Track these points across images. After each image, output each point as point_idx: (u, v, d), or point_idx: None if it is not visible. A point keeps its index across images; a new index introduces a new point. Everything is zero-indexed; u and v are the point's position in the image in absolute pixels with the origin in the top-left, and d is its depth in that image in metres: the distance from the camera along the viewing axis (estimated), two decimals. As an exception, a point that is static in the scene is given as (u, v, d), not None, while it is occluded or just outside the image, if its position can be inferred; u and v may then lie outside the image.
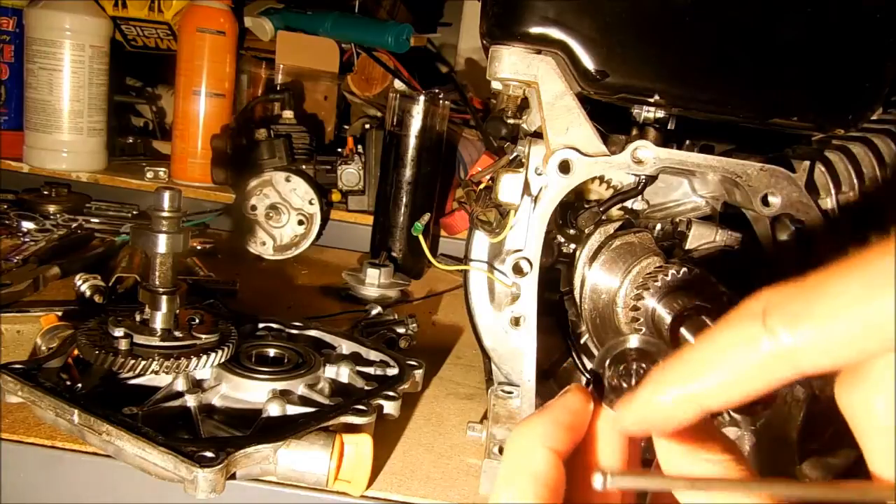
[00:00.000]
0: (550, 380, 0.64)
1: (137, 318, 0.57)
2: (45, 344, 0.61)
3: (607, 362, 0.27)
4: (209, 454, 0.44)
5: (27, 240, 0.95)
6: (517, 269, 0.56)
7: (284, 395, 0.54)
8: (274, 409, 0.52)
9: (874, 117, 0.59)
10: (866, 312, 0.18)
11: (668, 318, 0.49)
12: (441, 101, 1.07)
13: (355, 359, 0.64)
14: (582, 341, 0.63)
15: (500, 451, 0.55)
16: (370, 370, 0.63)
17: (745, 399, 0.21)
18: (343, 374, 0.61)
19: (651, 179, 0.56)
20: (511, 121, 0.60)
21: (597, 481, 0.22)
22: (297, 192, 1.09)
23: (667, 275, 0.53)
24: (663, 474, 0.25)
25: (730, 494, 0.23)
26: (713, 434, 0.24)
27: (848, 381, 0.21)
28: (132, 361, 0.52)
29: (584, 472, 0.26)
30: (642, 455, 0.30)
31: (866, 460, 0.21)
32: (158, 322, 0.57)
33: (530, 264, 0.56)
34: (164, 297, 0.56)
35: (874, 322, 0.18)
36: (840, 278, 0.19)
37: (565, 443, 0.26)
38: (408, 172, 1.06)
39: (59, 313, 0.68)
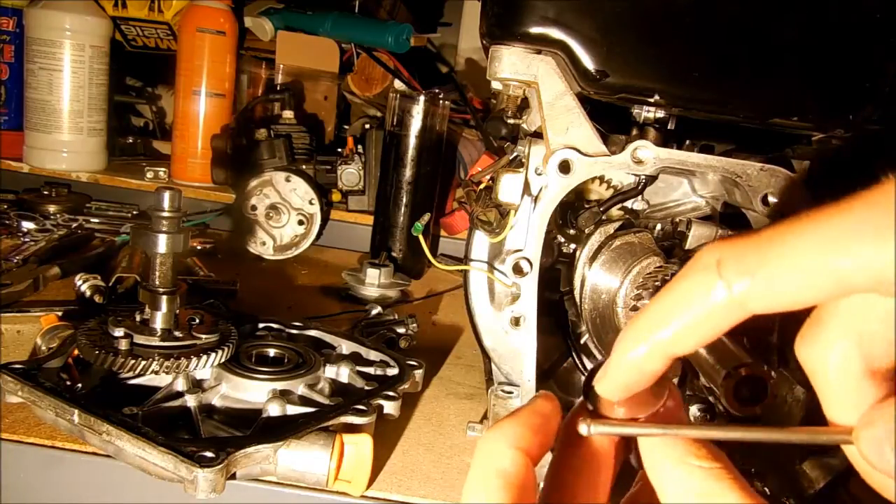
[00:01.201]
0: (550, 380, 0.64)
1: (137, 318, 0.57)
2: (45, 344, 0.61)
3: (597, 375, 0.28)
4: (209, 454, 0.44)
5: (27, 240, 0.95)
6: (517, 269, 0.56)
7: (284, 395, 0.54)
8: (274, 409, 0.52)
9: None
10: (810, 260, 0.20)
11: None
12: (441, 101, 1.07)
13: (355, 359, 0.64)
14: (582, 341, 0.63)
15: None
16: (370, 370, 0.63)
17: (707, 342, 0.24)
18: (343, 374, 0.61)
19: (651, 179, 0.56)
20: (511, 121, 0.60)
21: (582, 429, 0.26)
22: (297, 192, 1.09)
23: (667, 275, 0.53)
24: (642, 425, 0.26)
25: (699, 434, 0.24)
26: (703, 442, 0.25)
27: (805, 335, 0.23)
28: (132, 361, 0.52)
29: (575, 486, 0.27)
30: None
31: (823, 408, 0.23)
32: (158, 322, 0.57)
33: (530, 264, 0.56)
34: (164, 297, 0.56)
35: (816, 269, 0.20)
36: (787, 232, 0.21)
37: (534, 445, 0.26)
38: (408, 172, 1.06)
39: (59, 313, 0.68)
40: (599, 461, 0.27)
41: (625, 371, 0.25)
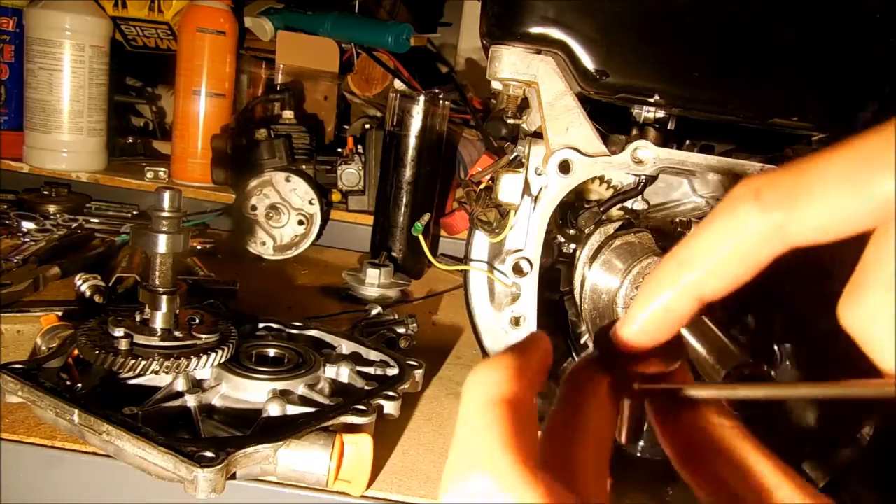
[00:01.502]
0: (550, 380, 0.64)
1: (137, 318, 0.57)
2: (45, 344, 0.61)
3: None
4: (209, 454, 0.44)
5: (27, 240, 0.95)
6: (517, 269, 0.56)
7: (284, 395, 0.54)
8: (274, 409, 0.52)
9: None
10: (853, 184, 0.19)
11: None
12: (441, 101, 1.07)
13: (355, 359, 0.64)
14: (582, 341, 0.63)
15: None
16: (370, 370, 0.63)
17: (741, 282, 0.22)
18: (343, 374, 0.61)
19: (651, 179, 0.56)
20: (511, 121, 0.60)
21: (691, 392, 0.25)
22: (297, 192, 1.09)
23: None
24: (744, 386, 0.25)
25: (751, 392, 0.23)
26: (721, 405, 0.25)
27: (847, 298, 0.22)
28: (132, 361, 0.52)
29: (579, 441, 0.24)
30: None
31: (878, 366, 0.21)
32: (158, 322, 0.57)
33: (530, 264, 0.56)
34: (164, 297, 0.56)
35: (861, 193, 0.19)
36: (826, 159, 0.20)
37: (535, 375, 0.24)
38: (408, 172, 1.06)
39: (59, 313, 0.68)
40: (606, 414, 0.25)
41: (653, 313, 0.24)
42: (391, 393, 0.57)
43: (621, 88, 0.54)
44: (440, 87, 1.21)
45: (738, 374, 0.42)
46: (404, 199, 1.07)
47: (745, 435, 0.25)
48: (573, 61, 0.52)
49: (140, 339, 0.55)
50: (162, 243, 0.56)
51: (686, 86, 0.54)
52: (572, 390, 0.26)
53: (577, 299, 0.60)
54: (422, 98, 1.05)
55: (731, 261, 0.22)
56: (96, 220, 1.08)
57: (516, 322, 0.57)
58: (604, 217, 0.59)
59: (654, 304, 0.24)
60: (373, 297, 0.95)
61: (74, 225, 1.04)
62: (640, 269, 0.56)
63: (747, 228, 0.21)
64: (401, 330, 0.79)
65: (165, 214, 0.55)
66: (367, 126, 1.26)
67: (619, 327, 0.25)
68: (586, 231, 0.59)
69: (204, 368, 0.55)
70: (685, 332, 0.47)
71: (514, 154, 0.58)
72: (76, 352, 0.55)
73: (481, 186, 0.60)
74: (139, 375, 0.54)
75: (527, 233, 0.56)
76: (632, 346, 0.25)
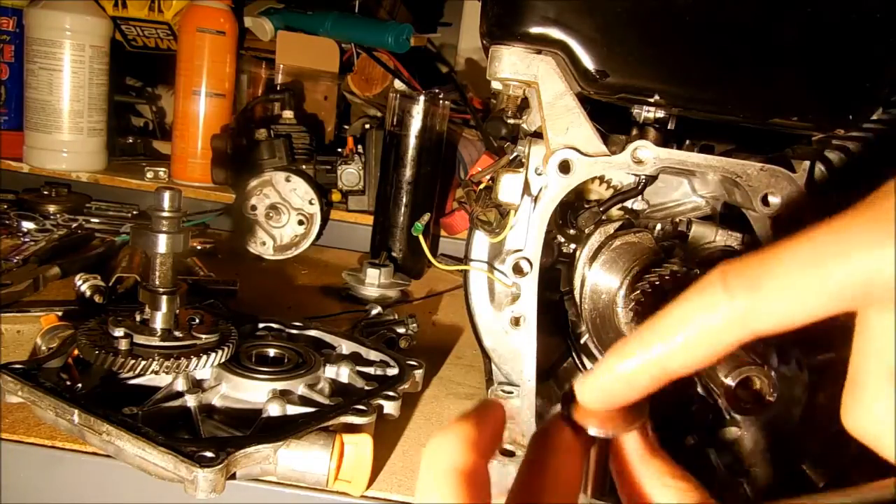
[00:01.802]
0: (550, 380, 0.64)
1: (137, 318, 0.57)
2: (45, 344, 0.61)
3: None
4: (209, 454, 0.44)
5: (27, 240, 0.95)
6: (517, 269, 0.56)
7: (284, 395, 0.54)
8: (274, 409, 0.52)
9: (874, 117, 0.59)
10: (813, 276, 0.20)
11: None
12: (441, 101, 1.07)
13: (355, 359, 0.64)
14: (582, 341, 0.63)
15: (501, 451, 0.55)
16: (370, 370, 0.63)
17: (705, 363, 0.23)
18: (343, 374, 0.61)
19: (651, 179, 0.56)
20: (511, 121, 0.60)
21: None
22: (297, 192, 1.09)
23: (667, 275, 0.53)
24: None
25: None
26: (675, 465, 0.26)
27: (847, 406, 0.22)
28: (132, 361, 0.52)
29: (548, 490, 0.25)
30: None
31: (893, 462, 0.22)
32: (158, 322, 0.57)
33: (530, 264, 0.56)
34: (164, 297, 0.56)
35: (820, 284, 0.20)
36: (790, 244, 0.21)
37: (486, 444, 0.25)
38: (408, 172, 1.06)
39: (59, 313, 0.68)
40: (572, 467, 0.26)
41: (611, 380, 0.25)
42: (391, 393, 0.57)
43: (621, 88, 0.53)
44: (440, 87, 1.21)
45: (738, 376, 0.42)
46: (404, 199, 1.07)
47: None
48: (573, 61, 0.52)
49: (140, 339, 0.55)
50: (162, 243, 0.56)
51: (686, 86, 0.54)
52: (540, 445, 0.26)
53: (577, 299, 0.60)
54: (422, 98, 1.05)
55: (697, 342, 0.23)
56: (96, 220, 1.08)
57: (516, 322, 0.57)
58: (604, 217, 0.59)
59: (615, 372, 0.25)
60: (373, 297, 0.95)
61: (74, 225, 1.04)
62: (639, 268, 0.56)
63: (714, 313, 0.22)
64: (401, 330, 0.79)
65: (165, 214, 0.55)
66: (367, 126, 1.26)
67: (579, 384, 0.26)
68: (586, 231, 0.59)
69: (204, 368, 0.55)
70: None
71: (514, 154, 0.58)
72: (76, 352, 0.55)
73: (481, 186, 0.60)
74: (139, 375, 0.54)
75: (527, 233, 0.56)
76: (592, 405, 0.26)
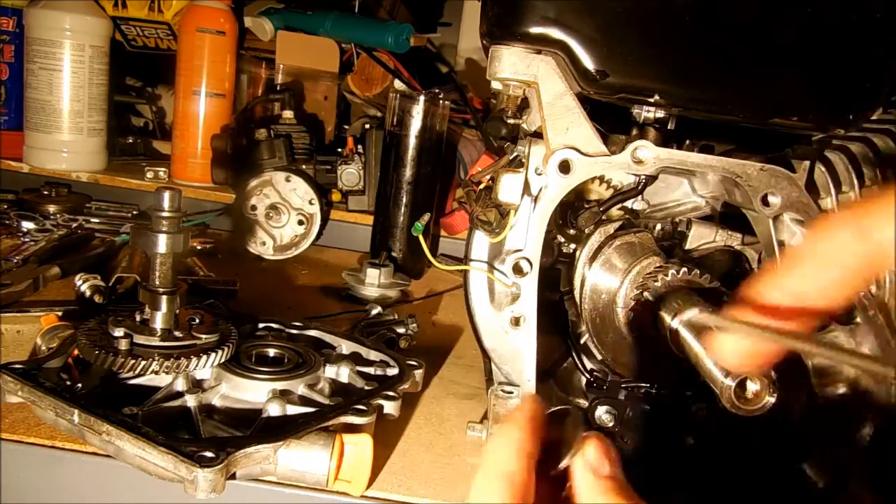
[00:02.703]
0: (550, 380, 0.64)
1: (137, 318, 0.57)
2: (45, 344, 0.61)
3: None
4: (209, 454, 0.44)
5: (27, 240, 0.95)
6: (517, 269, 0.56)
7: (284, 395, 0.54)
8: (274, 409, 0.52)
9: (874, 117, 0.59)
10: None
11: (668, 318, 0.49)
12: (441, 101, 1.07)
13: (355, 359, 0.64)
14: (582, 341, 0.63)
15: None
16: (370, 370, 0.63)
17: (848, 299, 0.27)
18: (343, 374, 0.61)
19: (651, 179, 0.56)
20: (511, 121, 0.60)
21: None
22: (297, 192, 1.09)
23: (667, 275, 0.53)
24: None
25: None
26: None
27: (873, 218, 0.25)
28: (132, 361, 0.52)
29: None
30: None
31: None
32: (158, 322, 0.57)
33: (530, 264, 0.56)
34: (164, 297, 0.56)
35: None
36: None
37: (534, 448, 0.30)
38: (408, 172, 1.06)
39: (59, 313, 0.68)
40: None
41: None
42: (391, 393, 0.57)
43: (621, 88, 0.53)
44: (440, 87, 1.21)
45: (738, 376, 0.42)
46: (404, 199, 1.07)
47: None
48: (573, 61, 0.52)
49: (140, 339, 0.55)
50: (162, 243, 0.56)
51: (686, 86, 0.54)
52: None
53: (577, 299, 0.60)
54: (422, 98, 1.05)
55: (844, 281, 0.26)
56: (96, 220, 1.08)
57: (516, 322, 0.57)
58: (604, 217, 0.59)
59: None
60: (373, 297, 0.95)
61: (74, 225, 1.04)
62: (639, 268, 0.56)
63: (852, 251, 0.25)
64: (401, 330, 0.79)
65: (165, 214, 0.55)
66: (367, 126, 1.26)
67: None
68: (586, 231, 0.59)
69: (204, 368, 0.55)
70: (684, 332, 0.47)
71: (514, 154, 0.58)
72: (76, 352, 0.55)
73: (481, 186, 0.60)
74: (139, 375, 0.54)
75: (527, 233, 0.56)
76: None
